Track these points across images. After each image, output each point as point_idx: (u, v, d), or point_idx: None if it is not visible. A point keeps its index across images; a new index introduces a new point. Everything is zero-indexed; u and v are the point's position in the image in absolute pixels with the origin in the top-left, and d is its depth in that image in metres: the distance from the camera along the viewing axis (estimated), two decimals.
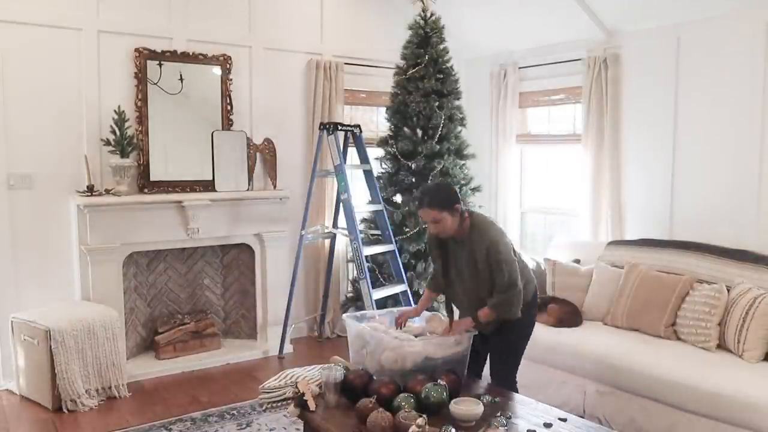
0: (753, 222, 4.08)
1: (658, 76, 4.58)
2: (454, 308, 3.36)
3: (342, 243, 5.55)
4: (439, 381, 2.68)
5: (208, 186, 4.87)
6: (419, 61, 5.03)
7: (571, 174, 5.39)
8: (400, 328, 3.21)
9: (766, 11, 3.96)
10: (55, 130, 4.42)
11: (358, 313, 3.41)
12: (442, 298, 3.54)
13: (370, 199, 5.14)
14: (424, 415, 2.39)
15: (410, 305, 4.80)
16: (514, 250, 3.13)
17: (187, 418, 3.86)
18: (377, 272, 5.16)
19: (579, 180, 5.13)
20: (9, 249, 4.31)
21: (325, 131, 4.90)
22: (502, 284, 2.99)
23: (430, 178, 4.97)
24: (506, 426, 2.50)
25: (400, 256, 4.98)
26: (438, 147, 5.01)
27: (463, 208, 3.08)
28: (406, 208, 5.05)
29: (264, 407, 3.08)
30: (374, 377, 2.84)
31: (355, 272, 4.92)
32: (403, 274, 4.94)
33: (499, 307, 3.00)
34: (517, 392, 3.12)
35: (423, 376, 2.76)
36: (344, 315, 3.35)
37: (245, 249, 5.13)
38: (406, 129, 5.12)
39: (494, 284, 3.02)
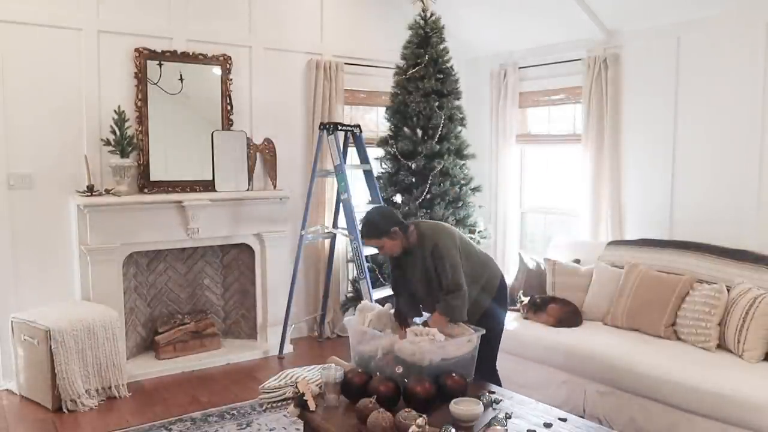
0: (753, 222, 4.08)
1: (658, 76, 4.58)
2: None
3: (342, 243, 5.55)
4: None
5: (208, 186, 4.87)
6: (419, 61, 5.03)
7: (571, 174, 5.39)
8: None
9: (766, 11, 3.96)
10: (55, 130, 4.42)
11: (359, 305, 3.37)
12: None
13: (370, 199, 5.14)
14: (424, 415, 2.39)
15: None
16: (470, 245, 3.32)
17: (187, 418, 3.86)
18: (377, 272, 5.16)
19: (579, 180, 5.13)
20: (9, 249, 4.31)
21: (325, 131, 4.90)
22: (446, 286, 3.11)
23: (430, 178, 4.97)
24: (506, 426, 2.50)
25: None
26: (438, 147, 5.01)
27: (407, 223, 3.24)
28: (406, 208, 5.05)
29: (264, 407, 3.09)
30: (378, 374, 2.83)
31: (355, 272, 4.92)
32: None
33: (447, 310, 3.09)
34: (500, 384, 3.23)
35: (425, 376, 2.75)
36: (346, 319, 3.35)
37: (245, 249, 5.13)
38: (406, 129, 5.12)
39: (441, 286, 3.14)
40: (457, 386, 2.71)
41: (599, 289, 4.27)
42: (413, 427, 2.32)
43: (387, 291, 4.84)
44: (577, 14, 4.79)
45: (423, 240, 3.19)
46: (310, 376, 3.04)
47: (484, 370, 3.24)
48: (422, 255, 3.19)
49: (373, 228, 3.20)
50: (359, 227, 3.28)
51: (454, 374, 2.79)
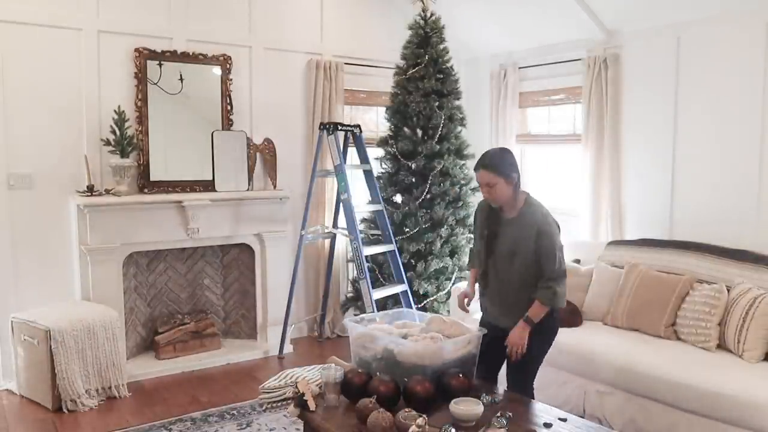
0: (753, 222, 4.07)
1: (658, 76, 4.58)
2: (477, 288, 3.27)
3: (342, 243, 5.55)
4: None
5: (208, 186, 4.87)
6: (419, 61, 5.04)
7: (571, 174, 5.39)
8: (466, 310, 3.23)
9: (766, 11, 3.96)
10: (55, 130, 4.42)
11: (358, 317, 3.40)
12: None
13: (370, 199, 5.14)
14: (424, 415, 2.39)
15: (410, 305, 4.81)
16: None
17: (187, 418, 3.86)
18: (377, 272, 5.16)
19: (579, 180, 5.13)
20: (9, 249, 4.31)
21: (325, 131, 4.90)
22: (552, 271, 2.91)
23: (430, 178, 4.97)
24: (506, 426, 2.50)
25: (400, 256, 4.98)
26: (438, 147, 5.01)
27: (521, 186, 3.05)
28: (406, 208, 5.05)
29: (264, 407, 3.08)
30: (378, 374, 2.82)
31: (355, 272, 4.92)
32: (403, 274, 4.94)
33: (550, 297, 2.90)
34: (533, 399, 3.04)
35: (425, 377, 2.74)
36: (346, 320, 3.35)
37: (245, 249, 5.13)
38: (406, 129, 5.13)
39: (542, 272, 2.92)
40: (461, 386, 2.71)
41: (599, 289, 4.27)
42: (413, 427, 2.32)
43: (387, 291, 4.85)
44: (577, 14, 4.79)
45: (531, 210, 2.99)
46: (310, 376, 3.04)
47: (521, 385, 3.04)
48: (521, 225, 2.97)
49: (498, 163, 2.94)
50: (478, 161, 3.00)
51: (460, 374, 2.78)
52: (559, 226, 3.05)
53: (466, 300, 3.23)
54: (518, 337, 2.94)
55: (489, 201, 3.06)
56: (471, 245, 5.01)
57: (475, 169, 3.03)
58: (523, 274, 2.98)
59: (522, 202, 3.03)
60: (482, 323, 3.17)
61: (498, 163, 2.96)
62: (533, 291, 2.95)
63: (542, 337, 3.03)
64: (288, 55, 5.36)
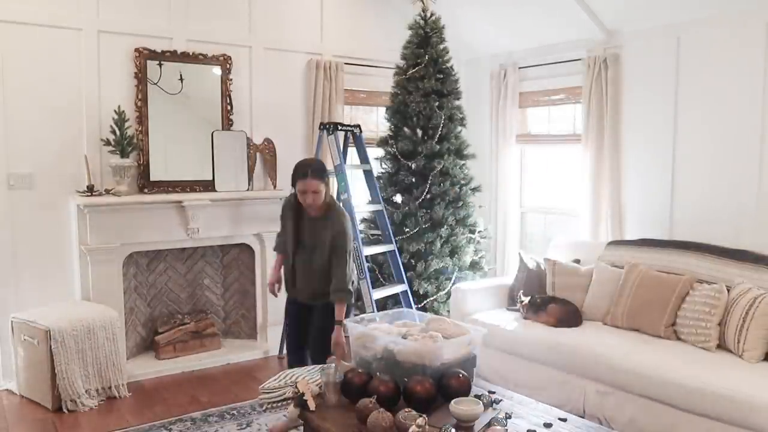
0: (753, 222, 4.08)
1: (658, 76, 4.58)
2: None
3: None
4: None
5: (208, 186, 4.87)
6: (419, 61, 5.04)
7: (571, 174, 5.39)
8: (276, 294, 3.79)
9: (766, 11, 3.96)
10: (55, 130, 4.42)
11: (358, 317, 3.41)
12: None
13: (370, 199, 5.14)
14: (424, 415, 2.39)
15: (410, 305, 4.81)
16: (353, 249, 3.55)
17: (187, 418, 3.86)
18: (377, 272, 5.16)
19: (579, 180, 5.13)
20: (9, 249, 4.31)
21: (325, 131, 4.90)
22: (340, 280, 3.36)
23: (430, 178, 4.97)
24: (506, 426, 2.51)
25: (400, 256, 4.98)
26: (438, 147, 5.01)
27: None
28: (406, 208, 5.05)
29: (264, 407, 3.09)
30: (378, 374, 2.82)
31: (355, 272, 4.91)
32: (403, 274, 4.94)
33: (343, 299, 3.36)
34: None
35: (425, 377, 2.74)
36: (346, 320, 3.36)
37: (245, 249, 5.13)
38: (406, 129, 5.13)
39: (333, 274, 3.37)
40: (461, 386, 2.71)
41: (599, 289, 4.27)
42: (413, 427, 2.32)
43: (387, 291, 4.85)
44: (577, 14, 4.79)
45: (334, 214, 3.43)
46: (310, 376, 3.04)
47: (320, 357, 3.40)
48: (324, 224, 3.41)
49: (324, 170, 3.44)
50: (304, 172, 3.46)
51: (460, 374, 2.78)
52: (353, 230, 3.59)
53: (276, 286, 3.77)
54: (339, 338, 3.34)
55: (310, 205, 3.40)
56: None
57: (302, 178, 3.38)
58: (323, 264, 3.43)
59: (326, 202, 3.45)
60: (289, 300, 3.67)
61: (323, 171, 3.43)
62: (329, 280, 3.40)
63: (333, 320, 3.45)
64: (288, 55, 5.36)
